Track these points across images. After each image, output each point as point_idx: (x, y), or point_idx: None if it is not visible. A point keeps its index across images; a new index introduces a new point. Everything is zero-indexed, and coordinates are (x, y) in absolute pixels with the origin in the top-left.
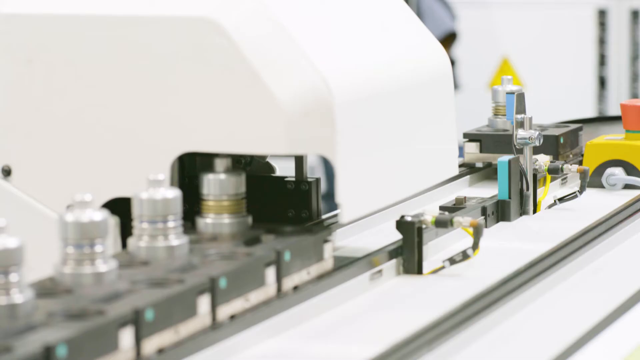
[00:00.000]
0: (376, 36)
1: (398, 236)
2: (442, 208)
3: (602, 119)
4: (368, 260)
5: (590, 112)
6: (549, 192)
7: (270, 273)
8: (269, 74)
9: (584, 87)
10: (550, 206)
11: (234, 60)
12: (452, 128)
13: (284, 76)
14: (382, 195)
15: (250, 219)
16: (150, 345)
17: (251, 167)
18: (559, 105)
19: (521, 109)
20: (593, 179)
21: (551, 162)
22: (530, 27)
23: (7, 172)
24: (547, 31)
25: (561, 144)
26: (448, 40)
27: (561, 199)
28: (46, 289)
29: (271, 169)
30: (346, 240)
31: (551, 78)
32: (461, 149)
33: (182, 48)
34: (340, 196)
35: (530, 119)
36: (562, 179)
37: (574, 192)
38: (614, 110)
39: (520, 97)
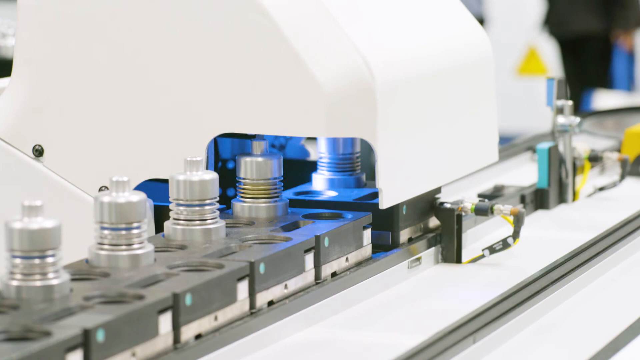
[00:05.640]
0: (418, 18)
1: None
2: (480, 195)
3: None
4: (407, 248)
5: (620, 101)
6: (587, 180)
7: (309, 259)
8: (310, 54)
9: None
10: (590, 195)
11: (275, 40)
12: (492, 113)
13: (325, 57)
14: (421, 181)
15: (287, 203)
16: (189, 331)
17: (285, 151)
18: None
19: (561, 94)
20: (632, 168)
21: (592, 150)
22: None
23: (39, 152)
24: None
25: (404, 214)
26: None
27: (601, 188)
28: (82, 272)
29: (305, 152)
30: None
31: None
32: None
33: (222, 27)
34: (381, 181)
35: (571, 105)
36: (600, 168)
37: (614, 181)
38: None
39: (561, 83)
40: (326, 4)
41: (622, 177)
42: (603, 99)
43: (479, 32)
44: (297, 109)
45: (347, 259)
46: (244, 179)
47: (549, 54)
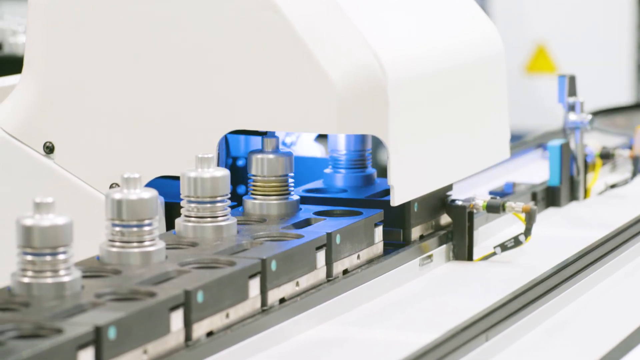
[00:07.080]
0: (429, 14)
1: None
2: (492, 193)
3: None
4: (418, 246)
5: (629, 99)
6: (598, 177)
7: (321, 256)
8: (322, 51)
9: (623, 73)
10: (601, 192)
11: (286, 36)
12: (504, 110)
13: (337, 53)
14: (433, 178)
15: (298, 200)
16: (201, 328)
17: (296, 148)
18: (595, 91)
19: (572, 92)
20: None
21: (603, 147)
22: (566, 11)
23: (50, 149)
24: (584, 15)
25: (415, 211)
26: None
27: (613, 185)
28: (93, 269)
29: (316, 149)
30: None
31: (588, 63)
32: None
33: (233, 23)
34: (392, 178)
35: (582, 102)
36: (612, 165)
37: (625, 179)
38: None
39: (572, 80)
40: (337, 0)
41: (634, 174)
42: None
43: (490, 28)
44: (308, 105)
45: (358, 257)
46: (255, 176)
47: (559, 52)
